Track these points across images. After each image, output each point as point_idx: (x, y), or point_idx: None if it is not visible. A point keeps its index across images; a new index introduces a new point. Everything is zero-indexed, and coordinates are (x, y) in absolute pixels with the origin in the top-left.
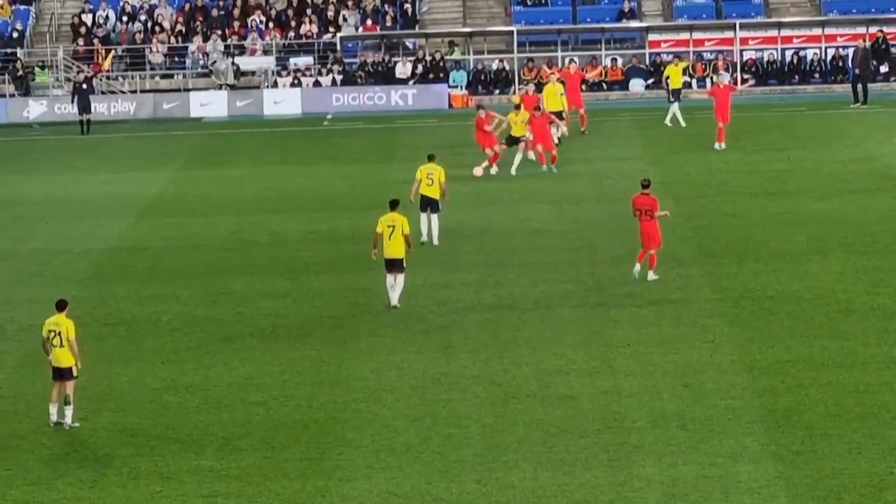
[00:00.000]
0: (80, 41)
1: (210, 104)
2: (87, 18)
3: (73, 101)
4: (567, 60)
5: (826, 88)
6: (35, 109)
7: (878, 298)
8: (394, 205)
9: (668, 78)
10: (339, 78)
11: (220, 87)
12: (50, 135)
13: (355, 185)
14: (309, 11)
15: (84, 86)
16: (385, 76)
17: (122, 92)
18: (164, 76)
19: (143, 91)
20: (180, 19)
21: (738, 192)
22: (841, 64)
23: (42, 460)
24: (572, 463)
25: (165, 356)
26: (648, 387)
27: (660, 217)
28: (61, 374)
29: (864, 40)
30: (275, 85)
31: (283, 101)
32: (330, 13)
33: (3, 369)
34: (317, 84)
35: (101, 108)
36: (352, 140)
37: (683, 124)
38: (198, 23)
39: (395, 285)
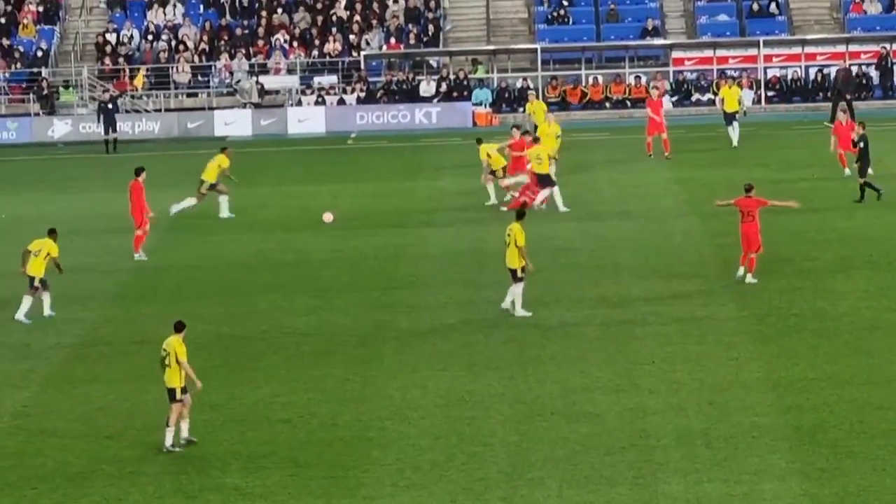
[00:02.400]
0: (105, 60)
1: (234, 123)
2: (112, 38)
3: (98, 121)
4: (651, 88)
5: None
6: (60, 128)
7: None
8: (518, 215)
9: (722, 100)
10: (363, 96)
11: (244, 105)
12: (75, 154)
13: (379, 204)
14: (334, 30)
15: (109, 105)
16: (409, 94)
17: (147, 111)
18: (188, 95)
19: (167, 110)
20: (204, 38)
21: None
22: (865, 81)
23: (68, 478)
24: (597, 480)
25: None
26: (673, 404)
27: (780, 204)
28: (172, 395)
29: (845, 60)
30: (299, 103)
31: (307, 120)
32: (354, 32)
33: (30, 387)
34: (341, 102)
35: (125, 127)
36: (376, 158)
37: (734, 144)
38: (222, 42)
39: (511, 294)
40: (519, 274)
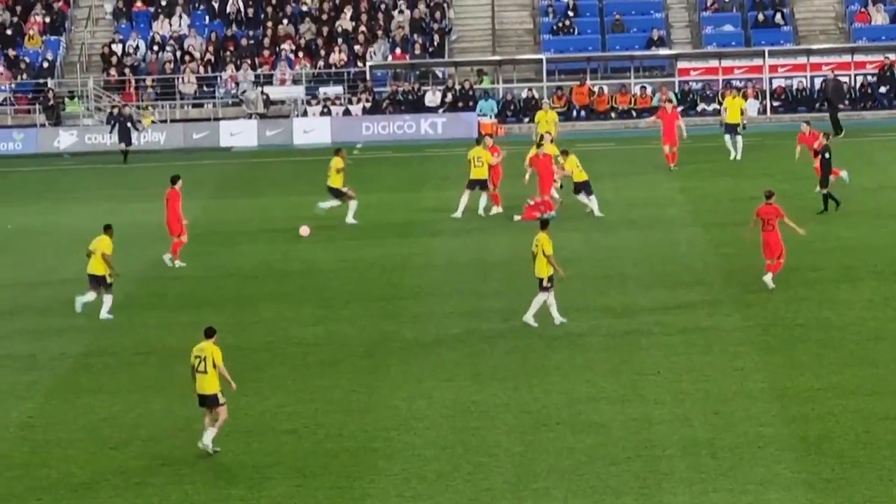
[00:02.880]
0: (111, 71)
1: (240, 133)
2: (118, 48)
3: (111, 132)
4: (665, 101)
5: (855, 115)
6: (66, 139)
7: None
8: (543, 225)
9: (725, 110)
10: (368, 107)
11: (249, 116)
12: (81, 164)
13: (385, 214)
14: (339, 41)
15: (122, 118)
16: (415, 105)
17: (153, 121)
18: (194, 106)
19: (173, 121)
20: (210, 49)
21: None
22: (870, 91)
23: (72, 489)
24: (603, 491)
25: None
26: (679, 414)
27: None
28: (205, 401)
29: (832, 71)
30: (304, 114)
31: (312, 130)
32: (360, 42)
33: (34, 398)
34: (346, 113)
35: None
36: (381, 169)
37: (732, 155)
38: (228, 52)
39: (548, 302)
40: (545, 283)
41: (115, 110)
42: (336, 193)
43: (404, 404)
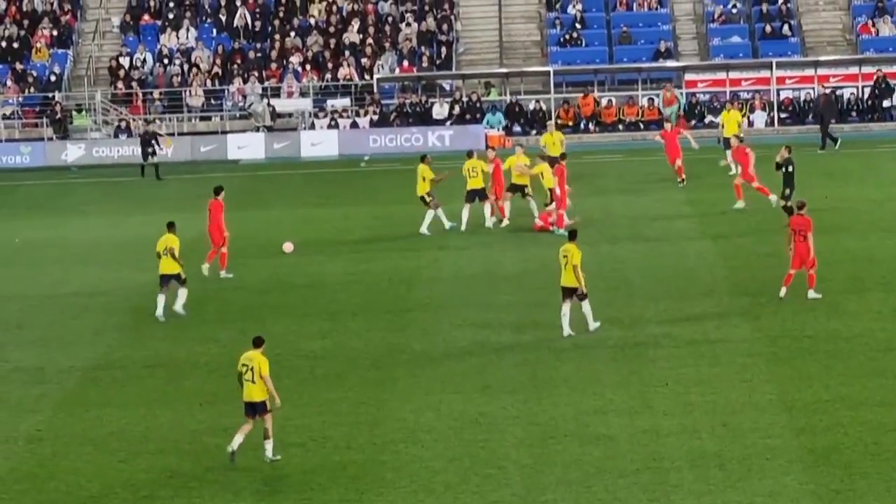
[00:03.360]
0: (118, 84)
1: (247, 146)
2: (125, 62)
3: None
4: (666, 121)
5: (863, 127)
6: (73, 152)
7: None
8: (571, 235)
9: (722, 125)
10: (376, 119)
11: (257, 129)
12: (88, 178)
13: (393, 227)
14: (346, 53)
15: (147, 135)
16: (422, 117)
17: (160, 134)
18: (201, 119)
19: (180, 134)
20: (217, 62)
21: (774, 230)
22: (872, 103)
23: (81, 502)
24: (611, 503)
25: (204, 398)
26: (687, 426)
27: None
28: (253, 409)
29: (823, 86)
30: (312, 127)
31: (320, 143)
32: (367, 55)
33: (42, 411)
34: (354, 126)
35: (138, 150)
36: (389, 181)
37: (733, 170)
38: (235, 65)
39: (583, 311)
40: (580, 292)
41: (142, 127)
42: (423, 201)
43: (412, 416)
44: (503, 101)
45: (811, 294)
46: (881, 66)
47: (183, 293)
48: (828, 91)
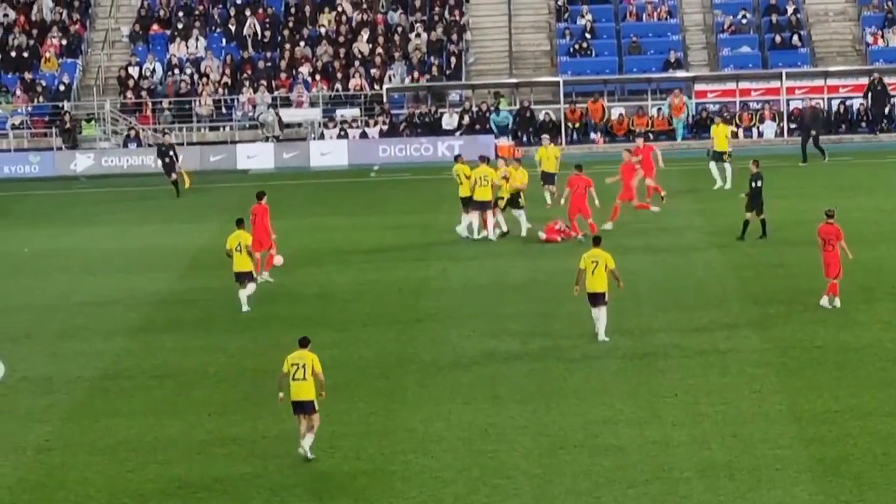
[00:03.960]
0: (128, 94)
1: (257, 156)
2: (134, 71)
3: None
4: (639, 139)
5: (873, 137)
6: (82, 162)
7: None
8: (597, 241)
9: (712, 138)
10: (385, 129)
11: (266, 139)
12: (97, 188)
13: (402, 237)
14: (356, 63)
15: (162, 147)
16: (432, 127)
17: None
18: (210, 128)
19: (189, 143)
20: (227, 72)
21: (784, 241)
22: (888, 111)
23: None
24: None
25: (213, 408)
26: (696, 437)
27: (842, 247)
28: (303, 408)
29: (810, 100)
30: (321, 137)
31: (329, 153)
32: (376, 65)
33: (51, 421)
34: (363, 135)
35: (148, 160)
36: (398, 191)
37: (718, 184)
38: (244, 75)
39: (600, 317)
40: (606, 297)
41: (161, 139)
42: (463, 202)
43: (422, 427)
44: (512, 110)
45: (835, 302)
46: (887, 75)
47: (251, 287)
48: (814, 103)
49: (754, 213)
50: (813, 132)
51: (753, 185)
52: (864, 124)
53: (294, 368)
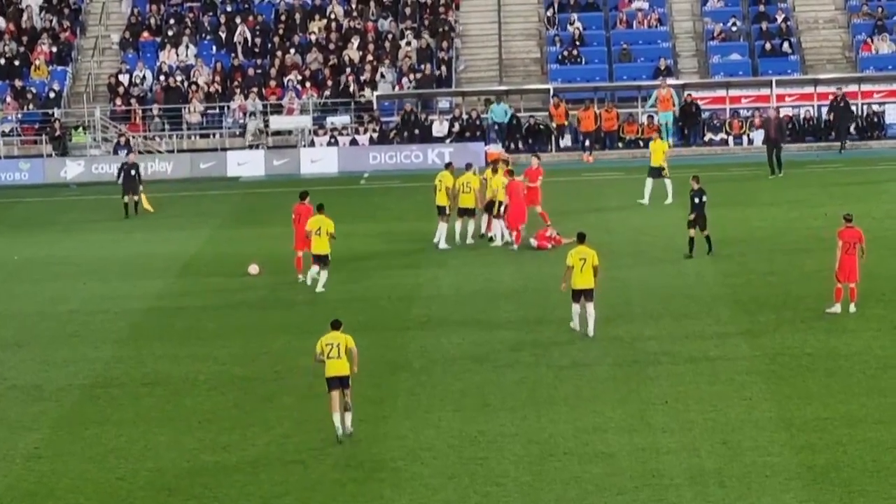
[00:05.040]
0: (117, 101)
1: (247, 163)
2: (124, 79)
3: (118, 180)
4: (534, 160)
5: (863, 145)
6: (72, 169)
7: None
8: (582, 238)
9: (651, 153)
10: (375, 136)
11: (256, 146)
12: (87, 195)
13: (393, 244)
14: (347, 70)
15: (127, 165)
16: (422, 135)
17: (159, 151)
18: (201, 136)
19: (179, 151)
20: (217, 79)
21: (775, 249)
22: (877, 120)
23: None
24: None
25: (203, 416)
26: (686, 444)
27: (861, 248)
28: (340, 382)
29: (776, 109)
30: (312, 144)
31: (319, 160)
32: (366, 72)
33: (40, 429)
34: (353, 143)
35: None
36: (389, 198)
37: (645, 200)
38: (235, 82)
39: (587, 315)
40: (593, 293)
41: (130, 158)
42: (441, 212)
43: (412, 434)
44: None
45: (851, 308)
46: (881, 83)
47: (324, 275)
48: (776, 113)
49: (697, 228)
50: (779, 143)
51: (696, 200)
52: (853, 131)
53: (329, 348)
